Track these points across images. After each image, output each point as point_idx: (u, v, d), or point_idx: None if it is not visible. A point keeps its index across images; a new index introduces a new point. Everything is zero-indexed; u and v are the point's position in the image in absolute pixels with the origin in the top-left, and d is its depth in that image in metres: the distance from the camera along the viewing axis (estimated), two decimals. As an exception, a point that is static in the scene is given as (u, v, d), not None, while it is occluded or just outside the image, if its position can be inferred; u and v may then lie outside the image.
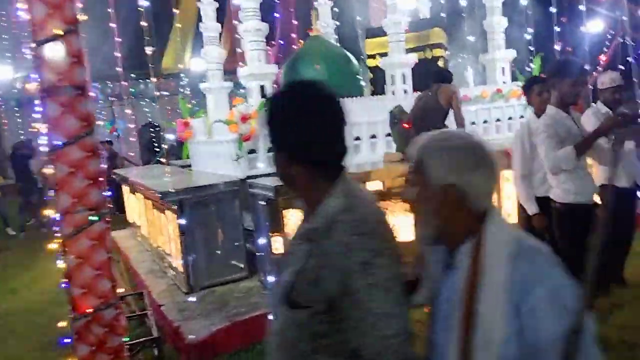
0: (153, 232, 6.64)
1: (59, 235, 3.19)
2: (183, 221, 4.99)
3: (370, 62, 7.34)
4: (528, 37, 7.62)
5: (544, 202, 3.64)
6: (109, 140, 12.91)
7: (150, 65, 7.57)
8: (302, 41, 8.00)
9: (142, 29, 6.35)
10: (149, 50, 6.53)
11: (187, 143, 7.38)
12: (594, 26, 10.66)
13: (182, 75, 17.88)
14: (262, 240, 4.80)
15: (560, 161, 3.04)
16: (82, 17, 3.11)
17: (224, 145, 5.71)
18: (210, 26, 6.82)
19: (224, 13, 10.10)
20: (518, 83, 6.56)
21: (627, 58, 6.47)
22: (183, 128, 7.02)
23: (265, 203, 4.67)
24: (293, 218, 4.66)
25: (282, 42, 10.79)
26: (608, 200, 4.39)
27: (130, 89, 17.32)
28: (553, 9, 7.17)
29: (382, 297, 1.23)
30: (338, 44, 8.34)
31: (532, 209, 3.80)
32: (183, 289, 5.12)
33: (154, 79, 9.80)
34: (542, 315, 1.13)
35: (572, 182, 3.20)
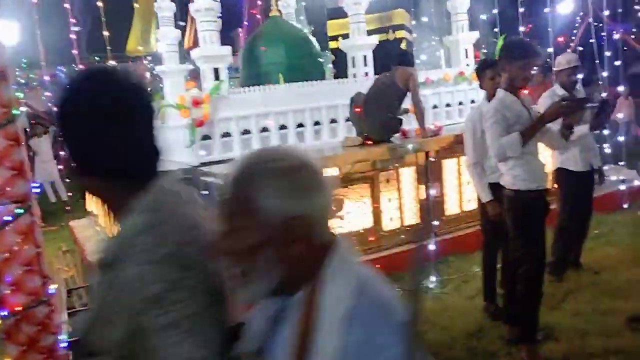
0: (107, 222, 6.42)
1: (-18, 230, 2.99)
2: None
3: (333, 44, 7.14)
4: (494, 18, 7.50)
5: (498, 188, 3.54)
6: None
7: (107, 47, 7.26)
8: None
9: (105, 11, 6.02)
10: (106, 32, 6.21)
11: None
12: (563, 7, 10.61)
13: (149, 58, 17.37)
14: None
15: (505, 148, 2.94)
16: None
17: (177, 131, 5.50)
18: (164, 6, 6.51)
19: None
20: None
21: (591, 40, 6.41)
22: (139, 113, 6.75)
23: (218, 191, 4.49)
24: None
25: (247, 24, 10.48)
26: (562, 184, 4.39)
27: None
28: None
29: (179, 341, 0.99)
30: (304, 26, 8.14)
31: (484, 196, 3.70)
32: (134, 281, 4.94)
33: (112, 62, 9.42)
34: None
35: (521, 167, 3.10)
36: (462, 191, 5.44)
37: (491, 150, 3.03)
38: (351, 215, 4.90)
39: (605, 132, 6.46)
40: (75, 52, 7.55)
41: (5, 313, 3.08)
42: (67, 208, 8.82)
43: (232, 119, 5.39)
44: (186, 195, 1.20)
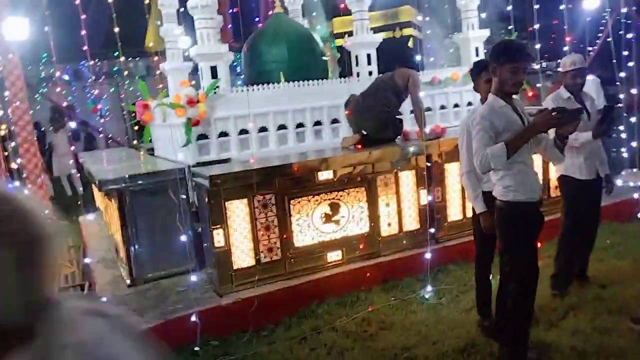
0: (108, 218, 6.40)
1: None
2: (124, 210, 4.73)
3: (339, 42, 6.96)
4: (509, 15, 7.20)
5: (494, 198, 3.34)
6: (83, 120, 12.61)
7: (118, 43, 7.23)
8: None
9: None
10: (117, 29, 6.14)
11: (148, 126, 7.07)
12: (589, 3, 10.15)
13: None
14: (206, 233, 4.54)
15: (489, 159, 2.72)
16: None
17: (175, 130, 5.41)
18: (168, 2, 6.45)
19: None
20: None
21: (608, 39, 6.07)
22: (143, 110, 6.70)
23: (206, 193, 4.39)
24: (237, 210, 4.40)
25: (257, 20, 10.37)
26: (565, 192, 4.14)
27: (113, 68, 16.95)
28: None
29: None
30: (320, 23, 7.94)
31: (478, 207, 3.50)
32: (127, 282, 4.88)
33: (122, 58, 9.43)
34: None
35: (511, 177, 2.89)
36: (465, 196, 5.22)
37: (474, 160, 2.83)
38: (347, 220, 4.74)
39: (623, 135, 6.15)
40: (85, 48, 7.54)
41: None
42: (78, 202, 8.88)
43: (228, 118, 5.28)
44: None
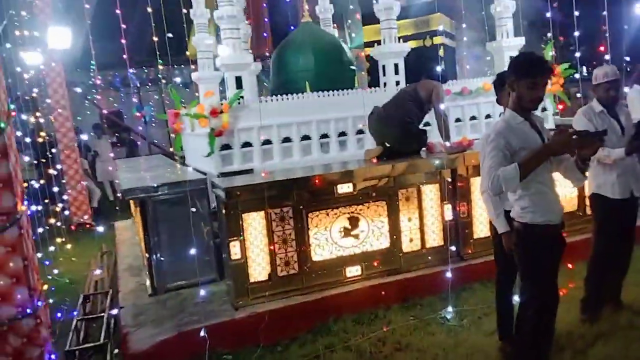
0: (138, 226, 6.50)
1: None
2: (146, 220, 4.79)
3: (368, 50, 6.84)
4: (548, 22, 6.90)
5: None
6: (127, 127, 12.96)
7: (157, 52, 7.38)
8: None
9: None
10: (155, 38, 6.26)
11: (179, 135, 7.16)
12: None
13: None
14: (224, 244, 4.53)
15: (501, 181, 2.56)
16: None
17: (200, 139, 5.45)
18: (200, 12, 6.52)
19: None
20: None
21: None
22: (174, 119, 6.79)
23: (223, 204, 4.37)
24: (254, 222, 4.36)
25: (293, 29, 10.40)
26: (597, 212, 3.89)
27: (158, 75, 17.39)
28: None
29: None
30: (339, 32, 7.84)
31: (500, 226, 3.30)
32: (148, 290, 4.93)
33: (161, 67, 9.62)
34: None
35: (529, 198, 2.72)
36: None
37: (486, 180, 2.67)
38: (366, 235, 4.62)
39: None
40: (125, 56, 7.73)
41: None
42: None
43: (252, 129, 5.27)
44: None
